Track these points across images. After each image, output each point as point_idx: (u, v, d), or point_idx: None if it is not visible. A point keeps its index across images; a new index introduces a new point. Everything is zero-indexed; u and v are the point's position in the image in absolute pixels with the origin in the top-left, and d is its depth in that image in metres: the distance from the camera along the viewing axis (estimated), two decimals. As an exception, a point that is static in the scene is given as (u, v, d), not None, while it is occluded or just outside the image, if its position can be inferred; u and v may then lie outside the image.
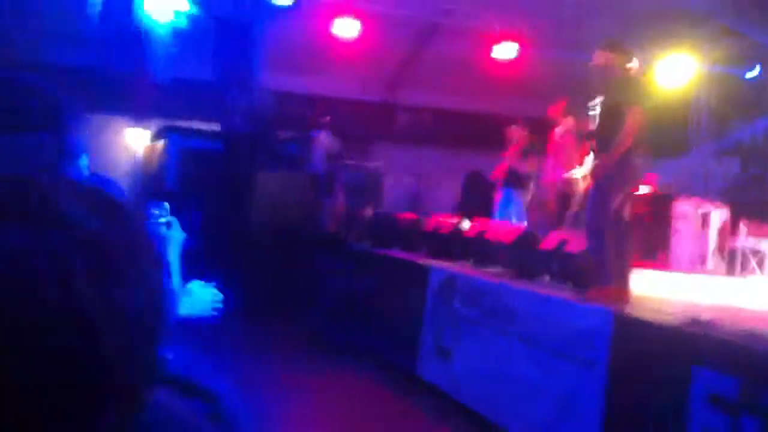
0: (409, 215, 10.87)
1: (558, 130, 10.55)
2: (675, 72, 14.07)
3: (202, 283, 3.00)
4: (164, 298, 0.91)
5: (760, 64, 13.72)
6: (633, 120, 5.93)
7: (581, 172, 9.62)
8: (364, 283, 9.88)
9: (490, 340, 6.81)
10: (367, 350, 9.17)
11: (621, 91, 6.11)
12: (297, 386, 7.90)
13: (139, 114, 13.89)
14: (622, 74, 6.21)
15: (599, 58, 6.26)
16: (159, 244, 2.69)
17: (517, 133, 10.81)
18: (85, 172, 2.00)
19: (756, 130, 15.05)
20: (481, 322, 6.98)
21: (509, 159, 10.80)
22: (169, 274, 2.53)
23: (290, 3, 11.58)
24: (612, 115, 6.08)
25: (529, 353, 6.24)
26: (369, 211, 11.11)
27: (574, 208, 9.70)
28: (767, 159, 13.99)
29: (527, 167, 10.69)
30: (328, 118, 13.40)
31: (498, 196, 10.86)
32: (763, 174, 13.59)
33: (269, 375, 8.05)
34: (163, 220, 2.70)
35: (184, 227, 2.91)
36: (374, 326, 9.21)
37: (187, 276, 2.96)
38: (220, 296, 3.01)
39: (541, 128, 11.01)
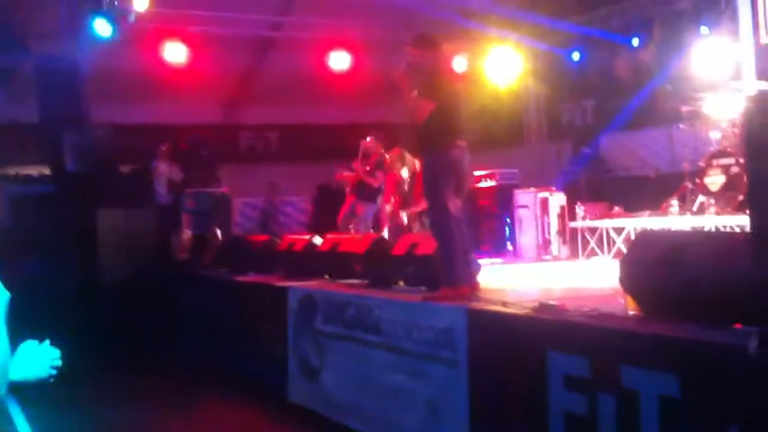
0: (261, 237, 10.74)
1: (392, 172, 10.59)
2: (503, 66, 14.59)
3: (35, 342, 2.83)
4: None
5: (580, 49, 14.42)
6: (420, 112, 6.09)
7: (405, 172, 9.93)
8: (225, 311, 9.68)
9: (355, 354, 6.80)
10: (237, 378, 8.99)
11: (426, 86, 6.23)
12: (170, 421, 7.64)
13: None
14: (432, 69, 6.32)
15: (410, 55, 6.37)
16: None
17: (370, 146, 10.76)
18: None
19: (585, 111, 15.84)
20: (345, 335, 6.96)
21: (360, 171, 10.73)
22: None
23: (110, 34, 11.18)
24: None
25: (396, 361, 6.27)
26: (218, 237, 10.90)
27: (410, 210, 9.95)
28: (596, 139, 14.70)
29: (377, 180, 10.66)
30: (166, 146, 13.08)
31: (345, 206, 10.81)
32: (593, 153, 14.30)
33: (139, 420, 7.74)
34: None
35: (20, 281, 2.73)
36: (242, 353, 9.05)
37: (20, 337, 2.78)
38: (57, 353, 2.85)
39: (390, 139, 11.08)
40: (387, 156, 10.65)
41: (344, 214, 10.69)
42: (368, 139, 10.77)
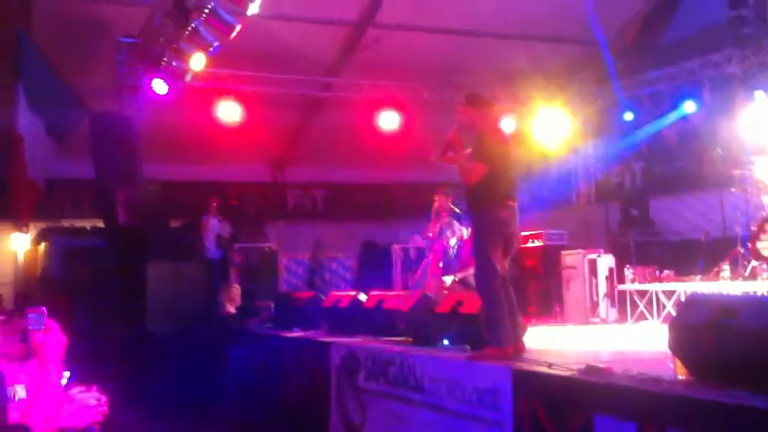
0: (306, 293, 10.79)
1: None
2: (552, 127, 14.64)
3: (83, 387, 2.87)
4: None
5: (633, 110, 14.41)
6: (473, 174, 6.11)
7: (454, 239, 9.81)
8: (269, 365, 9.70)
9: (397, 412, 6.74)
10: (279, 433, 8.97)
11: (476, 145, 6.27)
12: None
13: (19, 218, 13.46)
14: (482, 128, 6.36)
15: (462, 114, 6.43)
16: (37, 350, 2.57)
17: (440, 205, 10.60)
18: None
19: (634, 174, 15.75)
20: (387, 393, 6.91)
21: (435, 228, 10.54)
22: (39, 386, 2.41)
23: (166, 92, 11.50)
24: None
25: (438, 420, 6.19)
26: (270, 309, 10.97)
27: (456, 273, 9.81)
28: (645, 201, 14.57)
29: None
30: (216, 202, 13.30)
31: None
32: (642, 216, 14.16)
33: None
34: (40, 326, 2.58)
35: (66, 331, 2.79)
36: (284, 408, 9.03)
37: (70, 381, 2.83)
38: (104, 400, 2.89)
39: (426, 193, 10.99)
40: (458, 210, 10.51)
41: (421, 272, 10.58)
42: (436, 195, 10.63)
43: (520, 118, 14.63)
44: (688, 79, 13.27)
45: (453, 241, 10.16)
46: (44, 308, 2.59)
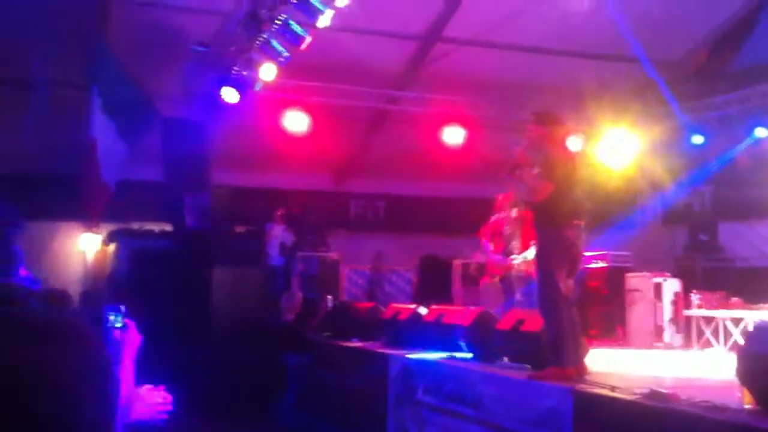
0: (366, 304, 10.83)
1: (498, 216, 10.28)
2: (619, 148, 14.45)
3: (151, 386, 2.95)
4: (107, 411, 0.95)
5: (703, 134, 14.15)
6: (539, 193, 6.07)
7: (520, 257, 9.59)
8: (326, 375, 9.77)
9: (454, 428, 6.73)
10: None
11: (543, 164, 6.24)
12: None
13: (89, 219, 13.83)
14: (550, 147, 6.33)
15: (531, 131, 6.42)
16: (114, 349, 2.66)
17: (499, 222, 10.41)
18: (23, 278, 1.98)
19: (704, 197, 15.44)
20: (445, 408, 6.90)
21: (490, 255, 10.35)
22: (119, 382, 2.49)
23: (236, 100, 11.70)
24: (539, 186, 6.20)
25: (495, 438, 6.17)
26: (329, 302, 11.02)
27: (516, 293, 9.61)
28: (714, 225, 14.28)
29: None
30: (281, 210, 13.46)
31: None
32: (711, 241, 13.87)
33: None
34: (119, 324, 2.67)
35: (140, 330, 2.87)
36: (340, 418, 9.07)
37: (139, 379, 2.91)
38: (170, 398, 2.96)
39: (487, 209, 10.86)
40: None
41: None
42: (495, 216, 10.33)
43: (586, 138, 14.47)
44: (761, 103, 12.98)
45: (514, 212, 9.92)
46: (122, 306, 2.66)
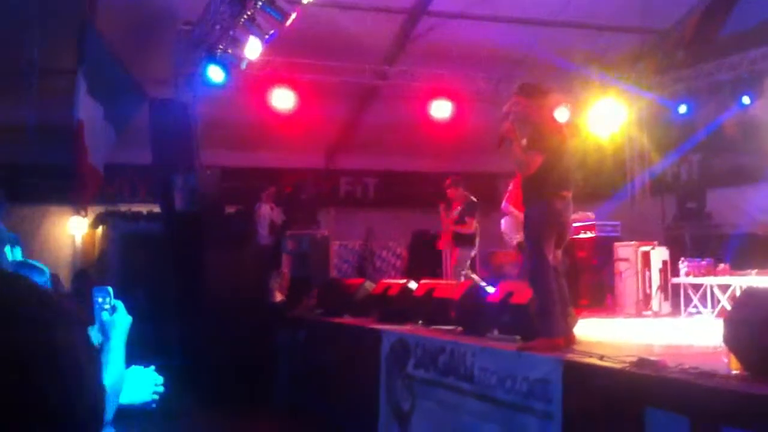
0: (357, 280, 10.86)
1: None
2: (607, 118, 14.46)
3: (141, 368, 2.95)
4: (93, 393, 0.95)
5: (686, 102, 14.16)
6: (529, 166, 6.08)
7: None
8: (319, 352, 9.81)
9: (446, 401, 6.78)
10: (328, 419, 9.07)
11: (531, 135, 6.25)
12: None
13: (79, 202, 13.81)
14: (538, 118, 6.33)
15: (517, 104, 6.40)
16: (104, 330, 2.66)
17: (451, 193, 10.72)
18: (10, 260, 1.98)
19: (691, 165, 15.48)
20: (437, 381, 6.95)
21: (448, 223, 10.63)
22: (106, 364, 2.49)
23: (222, 80, 11.64)
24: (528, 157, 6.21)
25: (488, 410, 6.22)
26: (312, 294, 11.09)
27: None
28: (703, 193, 14.32)
29: (469, 226, 10.56)
30: (270, 189, 13.45)
31: (452, 259, 10.71)
32: (699, 209, 13.92)
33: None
34: (107, 305, 2.66)
35: (129, 311, 2.87)
36: (333, 394, 9.13)
37: (129, 361, 2.91)
38: (161, 380, 2.96)
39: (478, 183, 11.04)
40: (473, 198, 10.58)
41: (453, 265, 10.67)
42: (447, 187, 10.71)
43: (575, 109, 14.47)
44: (749, 69, 12.98)
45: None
46: (110, 287, 2.66)
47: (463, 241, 10.55)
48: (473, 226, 10.52)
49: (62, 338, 0.97)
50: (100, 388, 0.99)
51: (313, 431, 9.02)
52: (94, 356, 1.01)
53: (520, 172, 6.30)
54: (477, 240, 10.68)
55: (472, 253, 10.71)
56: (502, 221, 10.90)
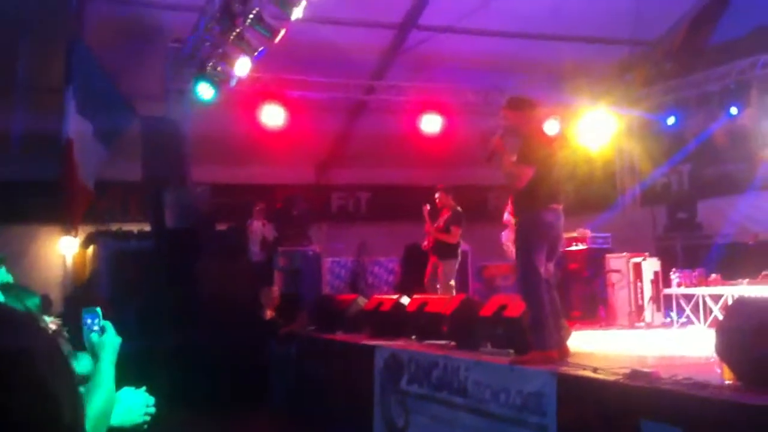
0: (349, 296, 10.84)
1: None
2: (597, 129, 14.51)
3: (132, 389, 2.93)
4: (68, 409, 0.95)
5: (675, 113, 14.24)
6: (520, 179, 6.08)
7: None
8: (313, 368, 9.78)
9: (440, 415, 6.75)
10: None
11: (521, 148, 6.26)
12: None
13: (70, 221, 13.76)
14: (527, 131, 6.34)
15: (505, 117, 6.42)
16: (93, 350, 2.64)
17: (438, 203, 10.67)
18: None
19: (681, 176, 15.54)
20: (430, 396, 6.93)
21: (433, 231, 10.59)
22: (89, 383, 2.47)
23: (212, 97, 11.65)
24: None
25: (482, 424, 6.19)
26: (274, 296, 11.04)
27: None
28: (693, 204, 14.37)
29: (454, 236, 10.49)
30: (261, 205, 13.43)
31: (429, 267, 10.65)
32: (690, 219, 13.96)
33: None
34: (96, 327, 2.65)
35: (119, 332, 2.86)
36: (328, 411, 9.09)
37: (120, 382, 2.89)
38: (152, 401, 2.95)
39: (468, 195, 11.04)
40: (459, 209, 10.55)
41: (429, 275, 10.60)
42: (436, 196, 10.67)
43: (564, 121, 14.53)
44: (736, 80, 13.06)
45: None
46: (98, 308, 2.65)
47: (446, 252, 10.41)
48: (458, 236, 10.45)
49: (27, 366, 0.99)
50: (74, 414, 0.99)
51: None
52: (67, 384, 1.01)
53: (511, 185, 6.30)
54: (459, 251, 10.60)
55: (456, 265, 10.63)
56: (503, 233, 10.89)
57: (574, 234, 10.89)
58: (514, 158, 6.28)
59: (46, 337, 1.06)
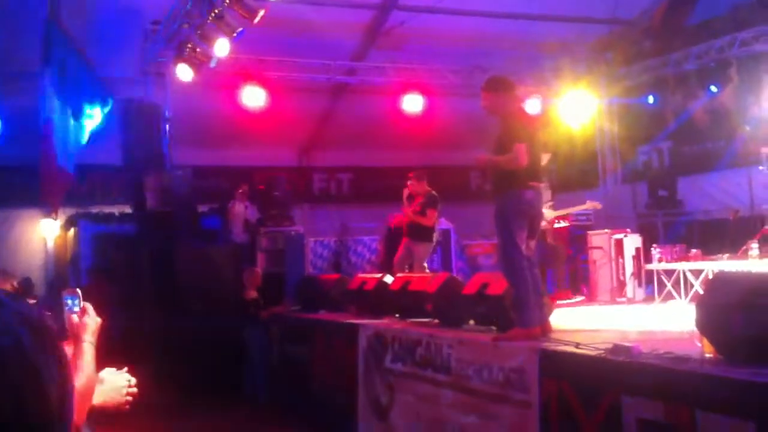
0: (333, 276, 10.84)
1: None
2: (578, 108, 14.54)
3: (114, 370, 2.93)
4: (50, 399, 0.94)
5: (655, 92, 14.30)
6: (520, 159, 6.07)
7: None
8: (296, 348, 9.79)
9: (424, 393, 6.79)
10: (307, 416, 9.06)
11: (504, 129, 6.26)
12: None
13: (48, 205, 13.66)
14: (507, 111, 6.34)
15: (484, 99, 6.41)
16: (73, 332, 2.63)
17: (413, 186, 10.57)
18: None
19: (662, 153, 15.63)
20: (414, 374, 6.96)
21: (408, 213, 10.49)
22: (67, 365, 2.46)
23: (191, 78, 11.56)
24: (503, 153, 6.21)
25: (466, 401, 6.23)
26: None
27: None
28: (674, 181, 14.46)
29: (429, 219, 10.41)
30: (244, 187, 13.39)
31: (401, 248, 10.57)
32: (670, 196, 14.06)
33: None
34: (77, 308, 2.64)
35: (99, 313, 2.85)
36: (312, 391, 9.11)
37: (102, 363, 2.88)
38: (134, 381, 2.94)
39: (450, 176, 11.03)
40: (434, 193, 10.49)
41: (400, 255, 10.54)
42: (408, 183, 10.56)
43: (545, 100, 14.55)
44: (717, 57, 13.12)
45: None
46: (78, 290, 2.63)
47: (422, 235, 10.33)
48: (433, 219, 10.39)
49: (12, 346, 0.98)
50: (60, 394, 0.97)
51: (291, 428, 8.98)
52: (53, 362, 1.00)
53: (516, 168, 6.20)
54: (435, 235, 10.54)
55: (431, 248, 10.58)
56: None
57: (586, 206, 10.83)
58: (500, 142, 6.27)
59: (35, 317, 1.05)
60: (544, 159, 8.28)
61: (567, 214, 10.86)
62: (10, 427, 0.89)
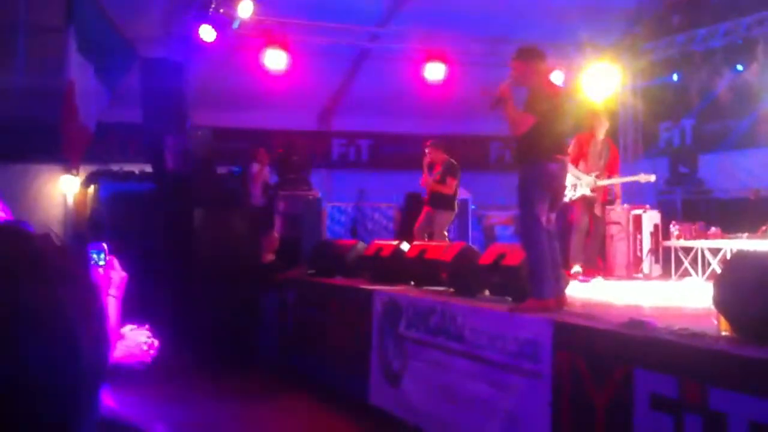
0: (349, 241, 10.86)
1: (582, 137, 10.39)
2: (601, 82, 14.40)
3: (135, 326, 2.96)
4: (91, 346, 0.93)
5: (681, 68, 14.13)
6: (520, 125, 6.08)
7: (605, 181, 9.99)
8: (310, 313, 9.85)
9: (437, 361, 6.83)
10: (319, 381, 9.13)
11: (529, 99, 6.24)
12: (251, 420, 7.83)
13: (69, 161, 13.74)
14: (535, 82, 6.31)
15: (515, 68, 6.38)
16: (98, 288, 2.66)
17: (431, 155, 10.61)
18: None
19: (684, 130, 15.49)
20: (428, 342, 7.00)
21: (429, 182, 10.55)
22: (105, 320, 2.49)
23: (214, 38, 11.53)
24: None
25: (478, 370, 6.27)
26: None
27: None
28: (695, 158, 14.35)
29: (449, 187, 10.46)
30: (263, 150, 13.40)
31: (421, 216, 10.63)
32: (691, 174, 13.96)
33: (223, 413, 7.96)
34: (102, 262, 2.65)
35: (124, 267, 2.87)
36: (324, 356, 9.18)
37: (123, 319, 2.92)
38: (155, 339, 2.97)
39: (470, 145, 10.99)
40: (453, 161, 10.51)
41: (420, 223, 10.61)
42: (426, 152, 10.61)
43: (569, 72, 14.40)
44: (744, 35, 12.93)
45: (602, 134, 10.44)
46: (104, 244, 2.65)
47: (443, 203, 10.39)
48: (453, 187, 10.44)
49: (47, 295, 0.95)
50: (98, 345, 0.96)
51: (304, 391, 9.07)
52: (91, 312, 0.98)
53: (512, 131, 6.29)
54: (456, 204, 10.59)
55: (452, 216, 10.63)
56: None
57: (639, 177, 10.68)
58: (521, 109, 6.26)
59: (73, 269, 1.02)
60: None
61: (615, 183, 10.59)
62: (38, 389, 0.85)
